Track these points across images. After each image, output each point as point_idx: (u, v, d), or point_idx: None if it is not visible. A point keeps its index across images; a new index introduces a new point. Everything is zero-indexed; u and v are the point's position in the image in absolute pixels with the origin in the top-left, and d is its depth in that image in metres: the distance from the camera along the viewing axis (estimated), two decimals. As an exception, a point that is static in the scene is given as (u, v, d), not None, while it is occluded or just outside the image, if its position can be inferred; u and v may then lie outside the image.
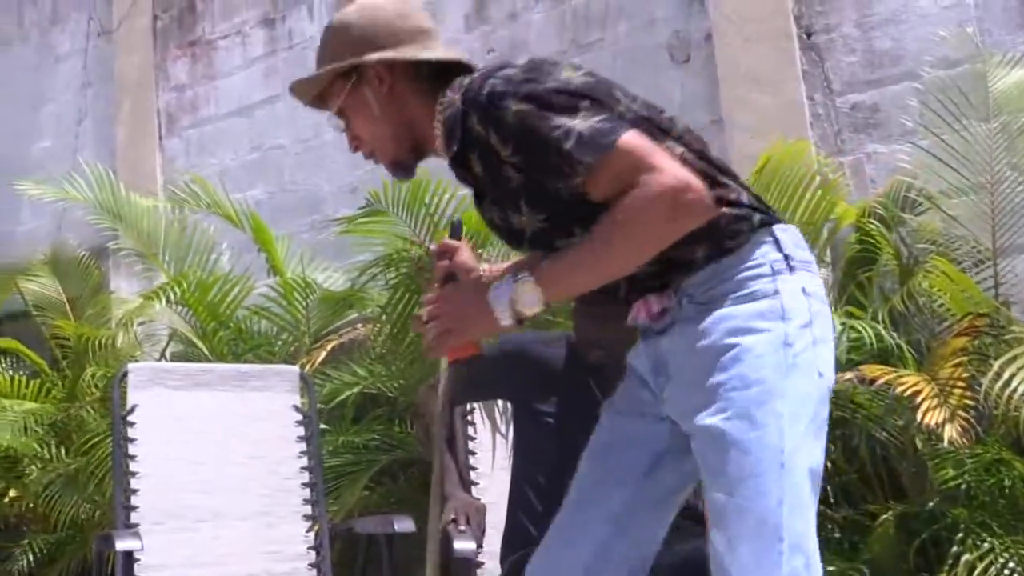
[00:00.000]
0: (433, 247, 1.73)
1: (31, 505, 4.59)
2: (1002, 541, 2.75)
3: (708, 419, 1.60)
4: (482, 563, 2.64)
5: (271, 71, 5.37)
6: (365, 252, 4.10)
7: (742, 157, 3.82)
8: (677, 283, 1.67)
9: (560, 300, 1.72)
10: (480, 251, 3.55)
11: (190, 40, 5.75)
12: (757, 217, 1.67)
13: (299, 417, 3.10)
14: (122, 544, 2.61)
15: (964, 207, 3.28)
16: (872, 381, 2.79)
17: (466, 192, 3.02)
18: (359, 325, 4.28)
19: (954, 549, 2.79)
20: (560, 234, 1.67)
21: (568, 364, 2.46)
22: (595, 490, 1.79)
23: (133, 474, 2.81)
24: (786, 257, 1.65)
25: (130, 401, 2.88)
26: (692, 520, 2.51)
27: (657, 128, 1.64)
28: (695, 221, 1.56)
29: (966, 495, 2.93)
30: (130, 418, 2.87)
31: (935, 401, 2.68)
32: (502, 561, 2.44)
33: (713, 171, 1.66)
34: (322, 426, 3.64)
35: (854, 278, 3.32)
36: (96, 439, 4.07)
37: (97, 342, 4.62)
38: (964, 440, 2.66)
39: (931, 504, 2.95)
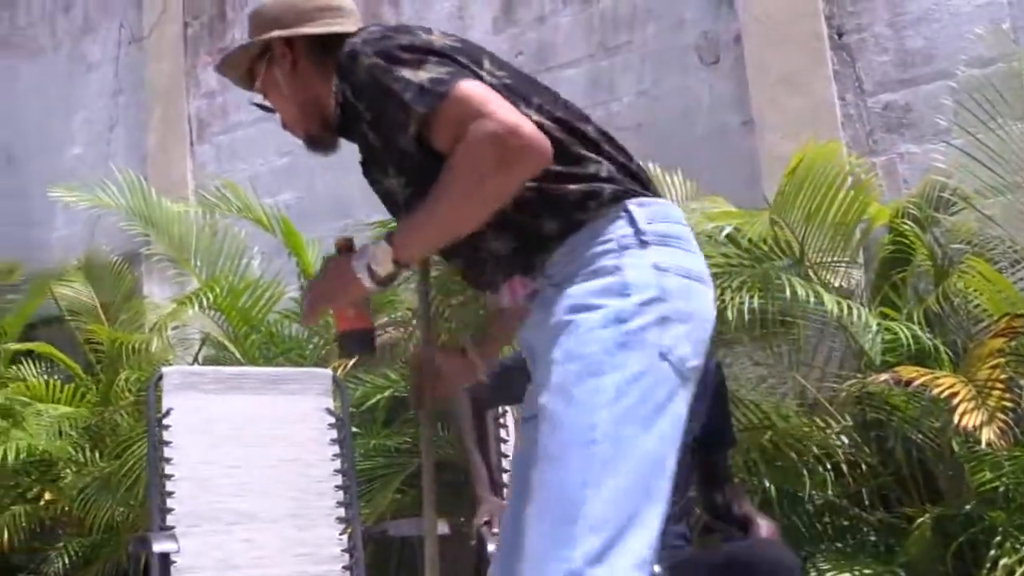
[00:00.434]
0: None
1: (66, 508, 4.63)
2: (1041, 544, 2.72)
3: (540, 398, 1.57)
4: (514, 565, 2.62)
5: (301, 76, 5.40)
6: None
7: (773, 158, 3.81)
8: (540, 263, 1.64)
9: (416, 257, 1.69)
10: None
11: (220, 47, 5.78)
12: (609, 190, 1.63)
13: (332, 420, 3.11)
14: (159, 546, 2.63)
15: (1000, 207, 3.25)
16: (908, 383, 2.75)
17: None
18: (390, 328, 4.29)
19: (992, 552, 2.76)
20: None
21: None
22: (514, 502, 1.70)
23: (168, 477, 2.83)
24: (638, 232, 1.61)
25: (165, 404, 2.90)
26: (726, 521, 2.52)
27: (520, 96, 1.62)
28: (524, 167, 1.52)
29: (1004, 498, 2.90)
30: (165, 421, 2.88)
31: (972, 403, 2.64)
32: (535, 564, 2.43)
33: (575, 143, 1.64)
34: (353, 429, 3.65)
35: (888, 279, 3.29)
36: (130, 443, 4.11)
37: (130, 347, 4.66)
38: (1002, 442, 2.62)
39: (968, 507, 2.92)
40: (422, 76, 1.56)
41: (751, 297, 2.99)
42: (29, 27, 6.83)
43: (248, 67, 1.84)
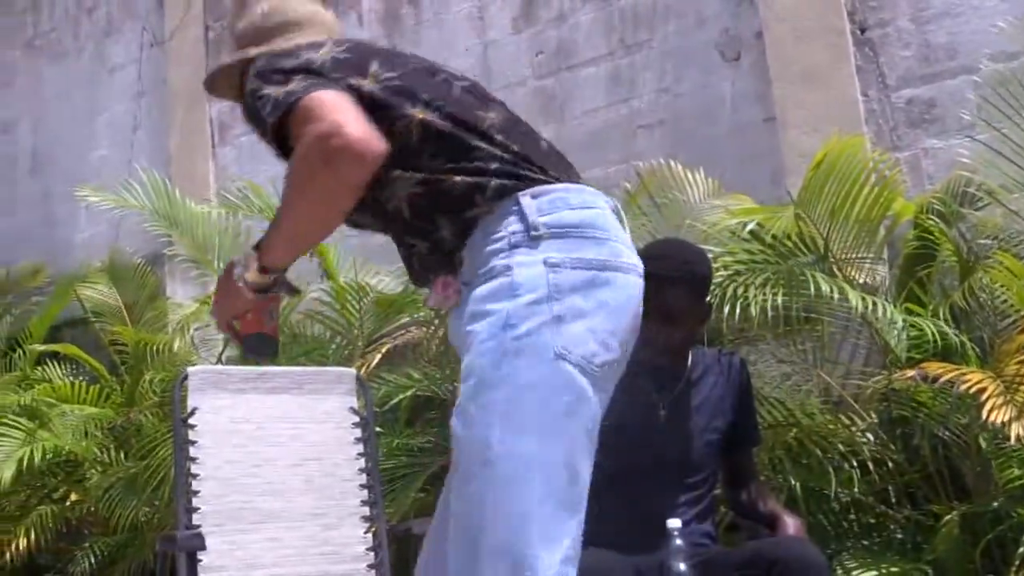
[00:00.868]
0: None
1: (92, 508, 4.66)
2: (1071, 542, 2.70)
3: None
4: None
5: (321, 77, 5.41)
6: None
7: (796, 155, 3.79)
8: (457, 262, 1.62)
9: (281, 262, 1.67)
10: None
11: (241, 48, 5.81)
12: (495, 183, 1.59)
13: (356, 419, 3.12)
14: (186, 544, 2.64)
15: (1026, 201, 3.23)
16: (935, 379, 2.74)
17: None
18: (412, 328, 4.29)
19: (1021, 550, 2.75)
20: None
21: (624, 366, 2.45)
22: (440, 513, 1.72)
23: (194, 476, 2.84)
24: (528, 227, 1.57)
25: (190, 404, 2.90)
26: (752, 519, 2.50)
27: (406, 96, 1.63)
28: (347, 165, 1.49)
29: (1032, 494, 2.88)
30: (190, 421, 2.89)
31: (1000, 399, 2.62)
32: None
33: (464, 135, 1.62)
34: (376, 429, 3.65)
35: (913, 275, 3.27)
36: (154, 443, 4.13)
37: (154, 347, 4.69)
38: (1031, 438, 2.60)
39: (996, 504, 2.90)
40: (280, 91, 1.59)
41: (775, 294, 2.97)
42: (53, 31, 6.87)
43: (238, 85, 1.83)
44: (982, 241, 3.26)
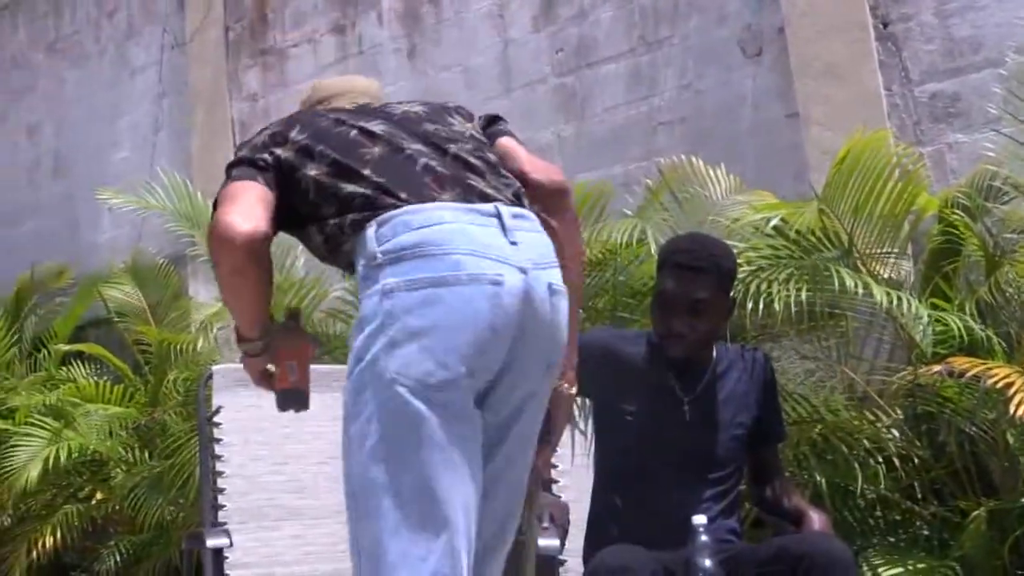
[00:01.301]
0: None
1: (117, 507, 4.70)
2: (1100, 538, 2.67)
3: None
4: (564, 560, 2.62)
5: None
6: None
7: (819, 151, 3.77)
8: None
9: (246, 332, 1.87)
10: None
11: (262, 49, 5.84)
12: (350, 220, 1.73)
13: (379, 417, 3.12)
14: (212, 541, 2.66)
15: (1052, 195, 3.20)
16: (961, 374, 2.72)
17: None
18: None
19: (1049, 546, 2.72)
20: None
21: (649, 361, 2.45)
22: None
23: (219, 474, 2.85)
24: (370, 258, 1.68)
25: (215, 402, 2.92)
26: (777, 515, 2.49)
27: (307, 154, 1.80)
28: (220, 251, 1.73)
29: (1061, 491, 2.86)
30: (215, 419, 2.91)
31: (1027, 394, 2.60)
32: (585, 560, 2.43)
33: (341, 181, 1.76)
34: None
35: (938, 270, 3.25)
36: (179, 442, 4.15)
37: (178, 347, 4.71)
38: (1059, 434, 2.58)
39: (1024, 500, 2.88)
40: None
41: (799, 289, 2.95)
42: (74, 34, 6.92)
43: None
44: (1008, 235, 3.23)
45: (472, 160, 1.82)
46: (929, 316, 2.98)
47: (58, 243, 6.48)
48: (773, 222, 3.23)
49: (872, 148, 3.16)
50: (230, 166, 1.86)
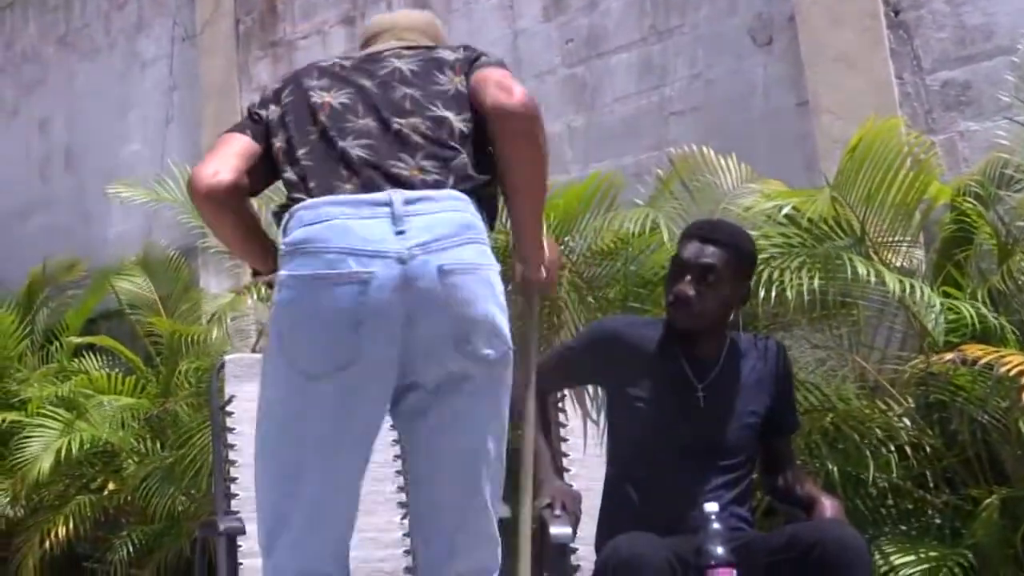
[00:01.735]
0: None
1: (129, 498, 4.71)
2: (1113, 526, 2.66)
3: None
4: (575, 549, 2.63)
5: (351, 69, 5.43)
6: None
7: (830, 140, 3.76)
8: None
9: (262, 266, 2.00)
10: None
11: (272, 41, 5.84)
12: (273, 209, 1.92)
13: (389, 405, 3.12)
14: (226, 527, 2.66)
15: (1066, 183, 3.18)
16: (973, 362, 2.71)
17: (553, 179, 3.00)
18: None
19: (1063, 535, 2.71)
20: None
21: (662, 348, 2.45)
22: None
23: (232, 463, 2.86)
24: (278, 252, 1.85)
25: (227, 392, 2.93)
26: (789, 503, 2.49)
27: (278, 126, 1.96)
28: (196, 200, 1.90)
29: (1073, 479, 2.85)
30: (228, 408, 2.92)
31: (1041, 382, 2.59)
32: (597, 548, 2.43)
33: (287, 165, 1.90)
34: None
35: (950, 258, 3.24)
36: (191, 433, 4.17)
37: (189, 338, 4.73)
38: (1072, 422, 2.58)
39: (1036, 489, 2.87)
40: None
41: (811, 277, 2.95)
42: (85, 27, 6.93)
43: None
44: (1020, 223, 3.22)
45: (414, 137, 1.91)
46: (941, 304, 2.97)
47: (69, 236, 6.50)
48: (785, 210, 3.23)
49: (884, 136, 3.15)
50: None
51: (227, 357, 3.03)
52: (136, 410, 4.71)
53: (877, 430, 3.07)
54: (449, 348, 1.82)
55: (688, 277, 2.38)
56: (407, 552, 2.96)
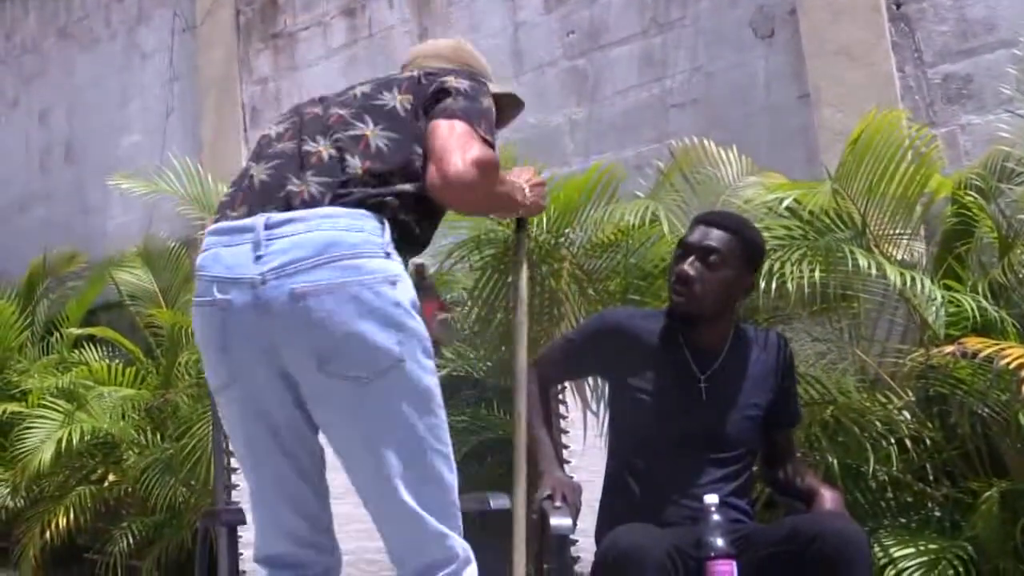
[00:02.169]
0: None
1: (129, 489, 4.72)
2: (1113, 519, 2.66)
3: None
4: (576, 540, 2.63)
5: (352, 61, 5.43)
6: (451, 235, 4.12)
7: (831, 133, 3.76)
8: None
9: None
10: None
11: (272, 32, 5.83)
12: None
13: (391, 398, 3.12)
14: (228, 518, 2.66)
15: (1067, 176, 3.18)
16: (974, 355, 2.71)
17: (554, 172, 3.01)
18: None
19: (1062, 527, 2.71)
20: None
21: (665, 338, 2.45)
22: None
23: (232, 454, 2.86)
24: None
25: (227, 383, 2.93)
26: (789, 496, 2.50)
27: (259, 146, 2.07)
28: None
29: (1073, 472, 2.85)
30: (228, 399, 2.91)
31: (1041, 375, 2.59)
32: (597, 540, 2.43)
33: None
34: (411, 409, 3.65)
35: (951, 251, 3.24)
36: (191, 424, 4.17)
37: (189, 330, 4.71)
38: (1072, 415, 2.57)
39: (1036, 481, 2.87)
40: None
41: (812, 270, 2.95)
42: (84, 18, 6.93)
43: None
44: (1021, 216, 3.22)
45: (317, 157, 1.94)
46: (942, 297, 2.96)
47: (69, 228, 6.50)
48: (786, 203, 3.22)
49: (885, 129, 3.14)
50: None
51: (228, 348, 3.02)
52: (136, 401, 4.72)
53: (877, 423, 3.07)
54: (312, 369, 1.84)
55: (691, 258, 2.38)
56: (407, 543, 2.95)
